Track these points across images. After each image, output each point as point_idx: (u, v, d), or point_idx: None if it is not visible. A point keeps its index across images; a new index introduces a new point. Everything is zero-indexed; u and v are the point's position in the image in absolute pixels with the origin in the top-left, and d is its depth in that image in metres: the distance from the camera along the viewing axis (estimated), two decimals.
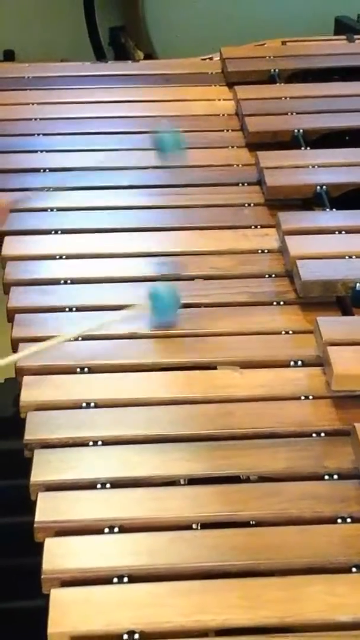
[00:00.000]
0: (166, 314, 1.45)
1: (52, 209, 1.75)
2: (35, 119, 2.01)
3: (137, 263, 1.63)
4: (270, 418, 1.33)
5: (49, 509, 1.20)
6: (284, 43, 2.31)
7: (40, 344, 1.42)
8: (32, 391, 1.37)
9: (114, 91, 2.11)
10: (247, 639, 1.07)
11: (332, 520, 1.19)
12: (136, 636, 1.06)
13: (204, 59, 2.28)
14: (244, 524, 1.19)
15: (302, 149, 1.89)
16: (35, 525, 1.18)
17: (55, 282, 1.59)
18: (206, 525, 1.19)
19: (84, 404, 1.35)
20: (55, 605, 1.09)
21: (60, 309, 1.53)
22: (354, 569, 1.13)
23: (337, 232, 1.65)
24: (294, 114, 1.98)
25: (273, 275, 1.60)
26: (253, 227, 1.71)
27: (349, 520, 1.19)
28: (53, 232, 1.70)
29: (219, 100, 2.08)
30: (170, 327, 1.46)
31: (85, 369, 1.41)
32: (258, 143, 1.91)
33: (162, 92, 2.11)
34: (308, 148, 1.89)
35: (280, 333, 1.49)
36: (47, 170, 1.86)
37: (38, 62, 2.31)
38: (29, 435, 1.30)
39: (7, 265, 1.62)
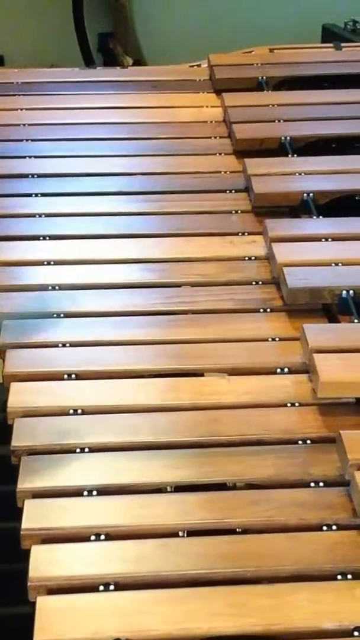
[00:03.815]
0: None
1: (40, 215, 1.75)
2: (24, 125, 2.02)
3: (124, 269, 1.63)
4: (256, 425, 1.33)
5: (35, 516, 1.20)
6: (271, 50, 2.31)
7: None
8: (20, 398, 1.37)
9: (103, 97, 2.12)
10: None
11: (318, 528, 1.19)
12: None
13: (192, 66, 2.29)
14: (231, 532, 1.20)
15: (289, 156, 1.89)
16: (21, 532, 1.18)
17: (42, 288, 1.59)
18: (192, 533, 1.19)
19: (71, 411, 1.35)
20: (42, 613, 1.09)
21: (48, 315, 1.53)
22: (339, 577, 1.14)
23: (323, 240, 1.66)
24: (282, 121, 1.99)
25: (260, 283, 1.61)
26: (240, 234, 1.72)
27: (334, 527, 1.19)
28: (41, 237, 1.70)
29: (207, 107, 2.09)
30: None
31: (73, 376, 1.41)
32: (245, 150, 1.91)
33: (150, 98, 2.12)
34: (295, 155, 1.89)
35: (266, 340, 1.49)
36: (35, 176, 1.86)
37: (27, 68, 2.30)
38: (16, 442, 1.31)
39: None
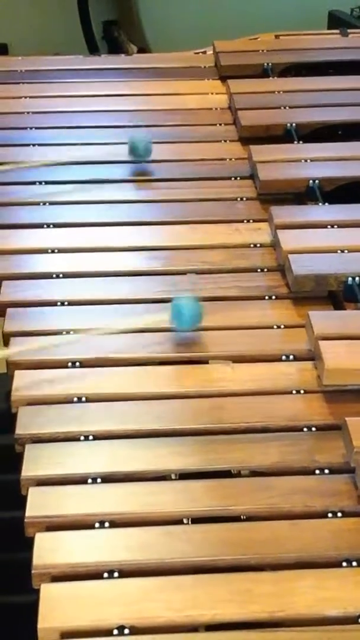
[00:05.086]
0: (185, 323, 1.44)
1: (44, 203, 1.75)
2: (28, 113, 2.01)
3: (129, 257, 1.63)
4: (261, 412, 1.33)
5: (39, 503, 1.20)
6: (277, 37, 2.30)
7: None
8: (24, 386, 1.37)
9: (107, 85, 2.11)
10: (237, 633, 1.07)
11: (323, 515, 1.19)
12: (126, 631, 1.06)
13: (197, 53, 2.28)
14: (235, 519, 1.19)
15: (294, 143, 1.88)
16: (25, 520, 1.18)
17: (47, 276, 1.58)
18: (197, 520, 1.19)
19: (75, 399, 1.35)
20: (45, 600, 1.08)
21: (52, 303, 1.53)
22: (344, 564, 1.13)
23: (329, 227, 1.65)
24: (287, 107, 1.97)
25: (265, 270, 1.60)
26: (245, 221, 1.71)
27: (339, 514, 1.19)
28: (45, 225, 1.69)
29: (212, 94, 2.08)
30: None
31: (77, 364, 1.41)
32: (251, 137, 1.90)
33: (155, 85, 2.11)
34: (301, 142, 1.89)
35: (272, 327, 1.49)
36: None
37: (31, 56, 2.30)
38: (20, 430, 1.30)
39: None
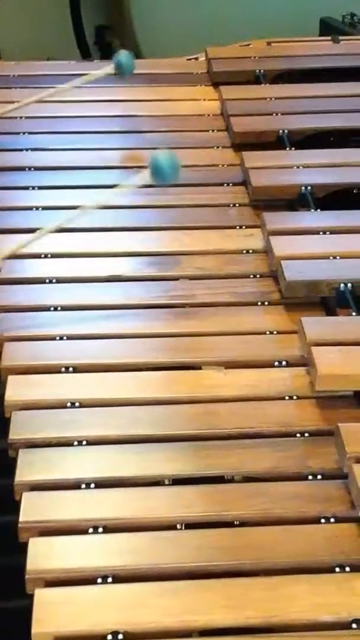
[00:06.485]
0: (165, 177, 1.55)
1: (37, 208, 1.75)
2: (21, 118, 2.01)
3: (122, 262, 1.63)
4: (254, 418, 1.33)
5: (33, 508, 1.20)
6: (269, 44, 2.31)
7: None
8: (17, 391, 1.37)
9: (100, 90, 2.11)
10: (232, 639, 1.07)
11: (316, 520, 1.19)
12: (120, 637, 1.06)
13: (190, 59, 2.28)
14: (228, 524, 1.20)
15: (287, 149, 1.89)
16: (19, 525, 1.18)
17: (41, 281, 1.59)
18: (190, 526, 1.19)
19: (68, 404, 1.35)
20: (39, 605, 1.09)
21: (46, 308, 1.53)
22: (337, 569, 1.14)
23: (321, 233, 1.66)
24: (279, 114, 1.98)
25: (258, 276, 1.61)
26: (238, 227, 1.72)
27: (332, 520, 1.19)
28: None
29: (204, 100, 2.09)
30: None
31: (70, 369, 1.41)
32: (243, 143, 1.91)
33: (148, 91, 2.11)
34: (293, 149, 1.89)
35: (264, 333, 1.49)
36: (33, 169, 1.85)
37: (24, 61, 2.30)
38: (14, 435, 1.30)
39: None
